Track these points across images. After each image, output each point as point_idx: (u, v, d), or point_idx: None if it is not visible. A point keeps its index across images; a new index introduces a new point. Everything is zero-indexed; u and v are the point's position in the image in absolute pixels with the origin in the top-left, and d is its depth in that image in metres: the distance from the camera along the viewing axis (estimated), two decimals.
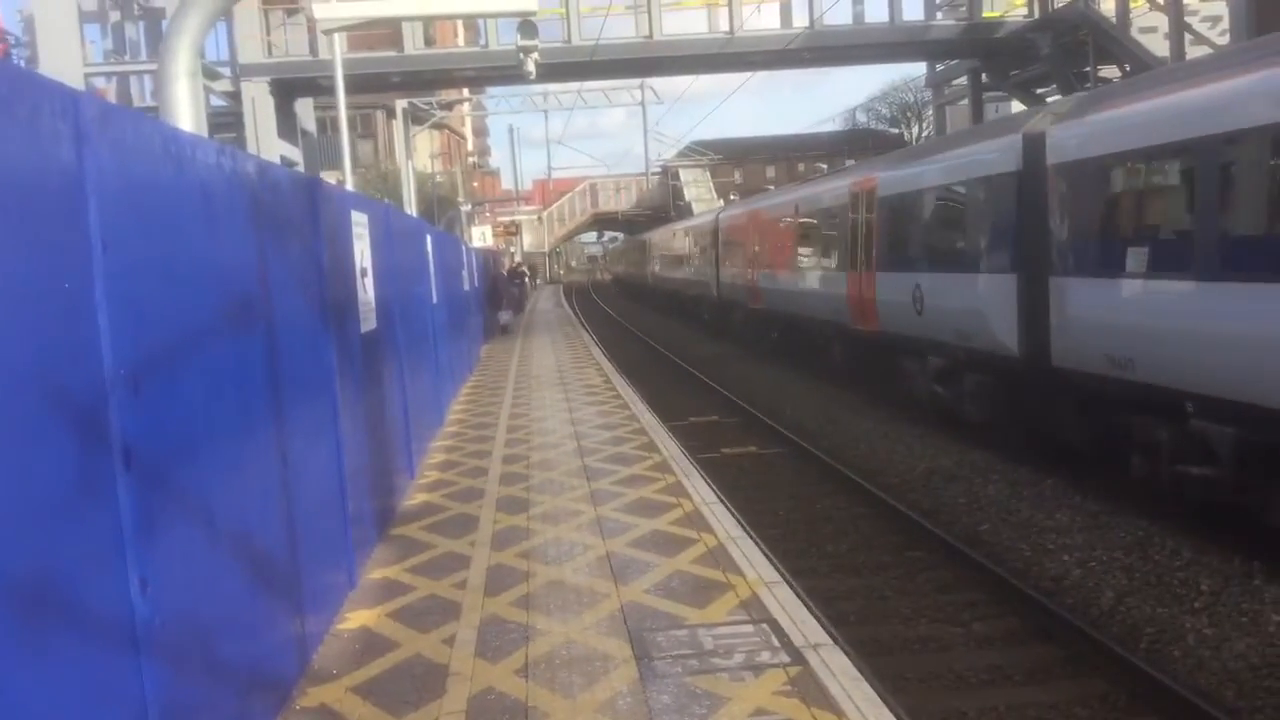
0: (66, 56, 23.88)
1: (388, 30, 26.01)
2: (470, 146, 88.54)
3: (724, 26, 26.17)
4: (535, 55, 16.50)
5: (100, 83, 28.59)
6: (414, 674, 5.42)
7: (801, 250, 22.22)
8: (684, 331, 36.84)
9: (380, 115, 53.77)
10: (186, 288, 4.02)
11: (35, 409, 2.78)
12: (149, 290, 3.59)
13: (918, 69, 42.12)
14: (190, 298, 4.07)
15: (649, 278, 55.63)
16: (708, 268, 34.17)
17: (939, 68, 31.82)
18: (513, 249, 63.12)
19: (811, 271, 21.20)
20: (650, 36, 25.95)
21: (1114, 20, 22.60)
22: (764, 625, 5.84)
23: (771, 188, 49.42)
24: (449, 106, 48.17)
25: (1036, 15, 25.28)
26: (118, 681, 3.18)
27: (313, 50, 25.64)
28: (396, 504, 9.05)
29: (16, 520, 2.61)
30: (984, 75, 28.41)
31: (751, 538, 7.92)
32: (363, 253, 7.96)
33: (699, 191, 68.77)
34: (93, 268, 3.16)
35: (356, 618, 6.33)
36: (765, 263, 25.27)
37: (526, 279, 52.19)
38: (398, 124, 41.99)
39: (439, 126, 52.05)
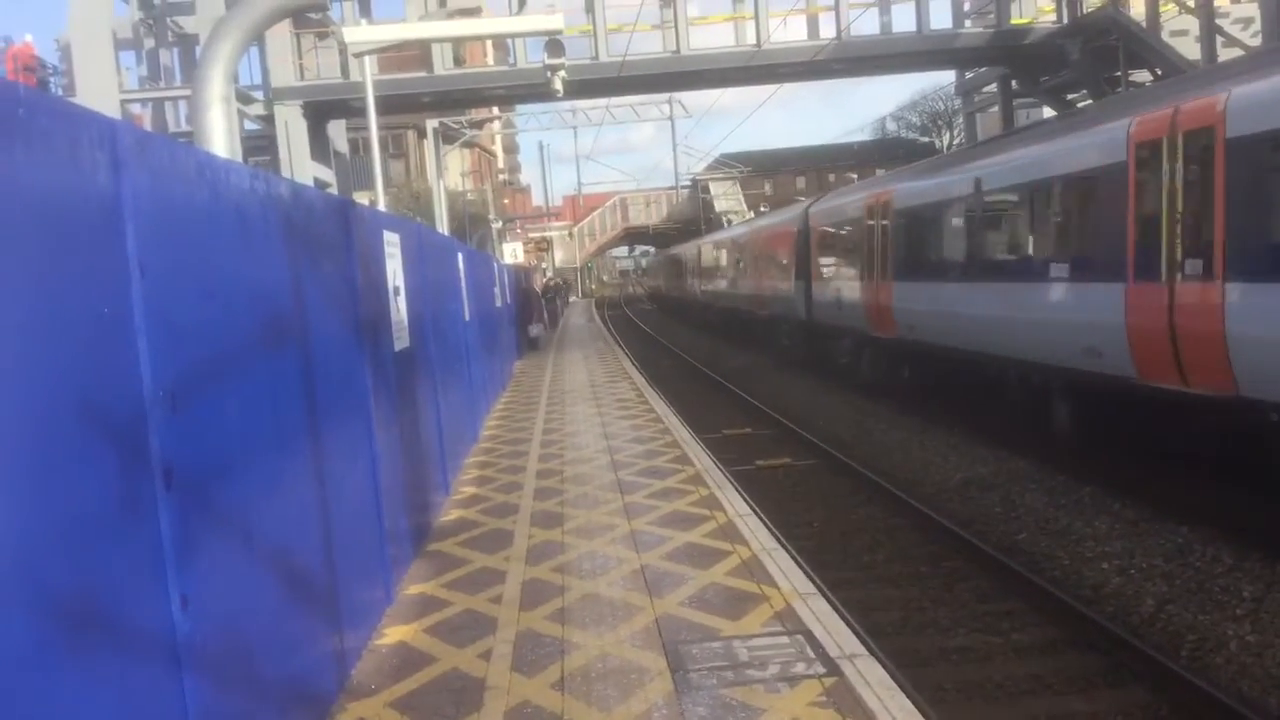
0: (102, 83, 24.27)
1: (417, 51, 26.27)
2: (501, 164, 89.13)
3: (751, 40, 26.22)
4: (563, 73, 16.61)
5: (136, 109, 29.05)
6: (451, 688, 5.46)
7: (991, 252, 14.50)
8: (716, 346, 36.77)
9: (411, 135, 54.26)
10: (223, 310, 4.09)
11: (78, 430, 2.85)
12: (186, 313, 3.67)
13: (947, 77, 41.98)
14: (227, 319, 4.14)
15: (697, 294, 47.89)
16: (790, 281, 26.12)
17: (968, 75, 31.69)
18: (544, 265, 63.43)
19: (1023, 285, 13.09)
20: (678, 51, 26.04)
21: (1144, 24, 22.44)
22: (799, 636, 5.84)
23: (802, 198, 48.35)
24: (479, 125, 48.50)
25: (1065, 21, 25.14)
26: (160, 697, 3.24)
27: (344, 73, 25.93)
28: (432, 520, 9.11)
29: (62, 539, 2.68)
30: (1014, 82, 28.27)
31: (786, 549, 7.91)
32: (395, 272, 8.04)
33: (730, 204, 68.88)
34: (131, 292, 3.23)
35: (394, 633, 6.38)
36: (911, 272, 17.33)
37: (561, 294, 52.39)
38: (429, 143, 42.35)
39: (469, 145, 52.47)
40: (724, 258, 38.84)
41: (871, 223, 19.28)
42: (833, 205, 23.28)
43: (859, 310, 19.99)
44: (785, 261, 26.98)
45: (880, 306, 18.59)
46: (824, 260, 23.40)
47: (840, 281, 21.74)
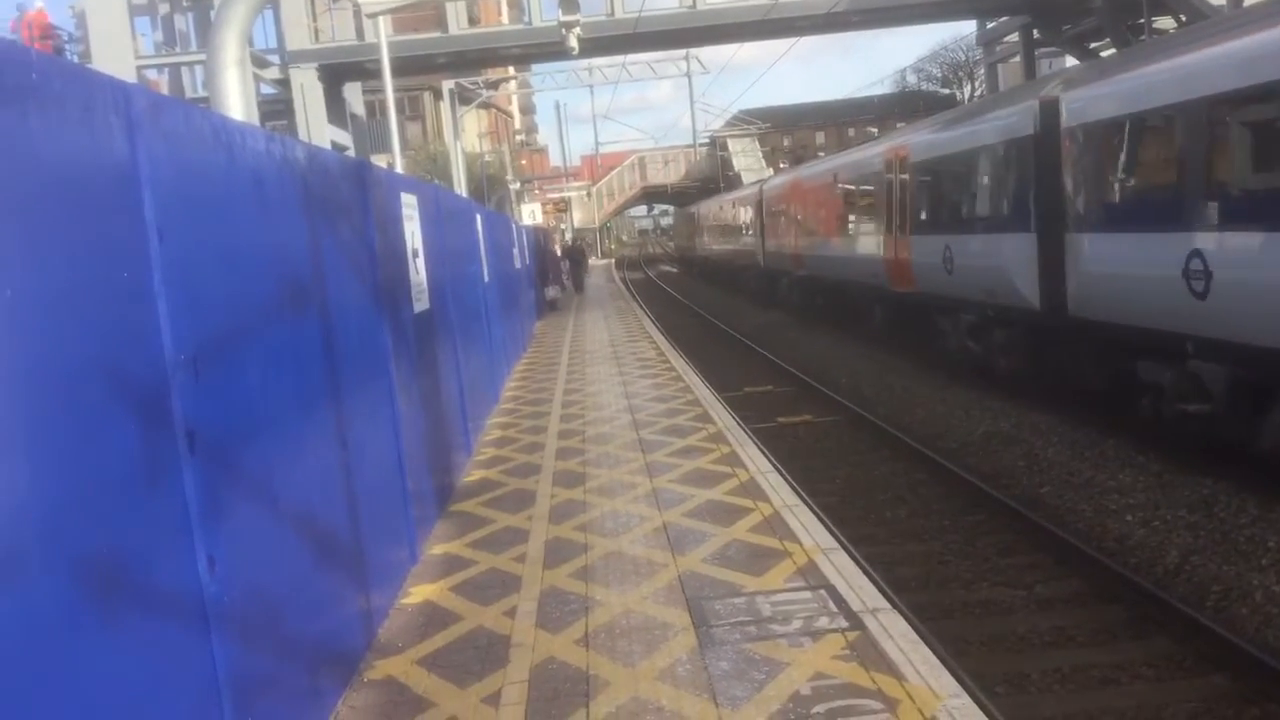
0: (118, 50, 24.29)
1: (432, 11, 26.11)
2: (517, 124, 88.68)
3: None
4: (578, 30, 16.46)
5: (152, 75, 29.05)
6: (477, 645, 5.51)
7: None
8: (736, 304, 36.65)
9: (428, 97, 54.07)
10: (242, 273, 4.10)
11: (101, 395, 2.86)
12: (205, 277, 3.68)
13: (967, 27, 41.36)
14: (246, 283, 4.15)
15: (762, 256, 33.76)
16: (989, 236, 14.37)
17: (989, 25, 31.24)
18: (563, 225, 63.23)
19: None
20: (694, 6, 25.77)
21: None
22: (821, 591, 5.85)
23: (823, 154, 47.42)
24: (495, 85, 48.23)
25: None
26: (190, 657, 3.28)
27: (359, 34, 25.83)
28: (455, 481, 9.17)
29: (88, 503, 2.70)
30: (1036, 31, 27.85)
31: (808, 505, 7.91)
32: (413, 234, 8.04)
33: (748, 161, 68.37)
34: (150, 256, 3.24)
35: (419, 592, 6.44)
36: None
37: (584, 256, 52.02)
38: (445, 105, 42.21)
39: (486, 106, 52.19)
40: (817, 203, 25.36)
41: None
42: (1150, 74, 10.59)
43: None
44: (970, 203, 15.40)
45: None
46: (1115, 195, 11.50)
47: (1206, 234, 9.50)
